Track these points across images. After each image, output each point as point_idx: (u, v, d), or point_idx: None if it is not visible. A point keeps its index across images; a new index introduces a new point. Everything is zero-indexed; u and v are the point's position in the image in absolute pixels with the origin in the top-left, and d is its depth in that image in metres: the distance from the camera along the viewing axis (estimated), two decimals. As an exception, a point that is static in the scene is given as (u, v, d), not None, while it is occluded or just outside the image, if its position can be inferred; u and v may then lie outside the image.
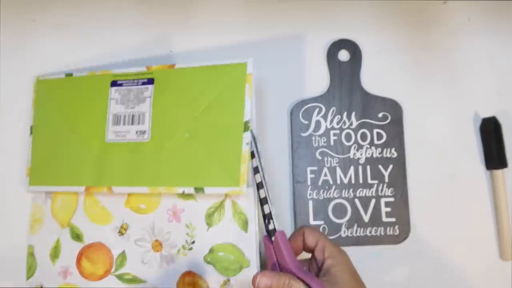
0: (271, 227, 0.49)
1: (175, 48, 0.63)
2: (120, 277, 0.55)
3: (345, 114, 0.61)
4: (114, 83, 0.57)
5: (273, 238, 0.49)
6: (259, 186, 0.51)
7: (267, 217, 0.49)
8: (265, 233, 0.50)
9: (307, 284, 0.44)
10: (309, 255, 0.50)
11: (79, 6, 0.63)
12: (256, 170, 0.51)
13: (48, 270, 0.57)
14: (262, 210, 0.50)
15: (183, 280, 0.53)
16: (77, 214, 0.57)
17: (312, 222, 0.59)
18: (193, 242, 0.53)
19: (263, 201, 0.50)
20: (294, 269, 0.46)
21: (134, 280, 0.54)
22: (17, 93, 0.62)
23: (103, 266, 0.55)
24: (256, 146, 0.52)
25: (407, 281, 0.59)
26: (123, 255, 0.55)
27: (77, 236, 0.56)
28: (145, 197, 0.55)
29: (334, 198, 0.59)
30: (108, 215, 0.56)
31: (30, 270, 0.57)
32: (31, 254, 0.57)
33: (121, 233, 0.55)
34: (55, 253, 0.57)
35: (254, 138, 0.52)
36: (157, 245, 0.54)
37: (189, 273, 0.53)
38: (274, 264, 0.48)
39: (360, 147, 0.60)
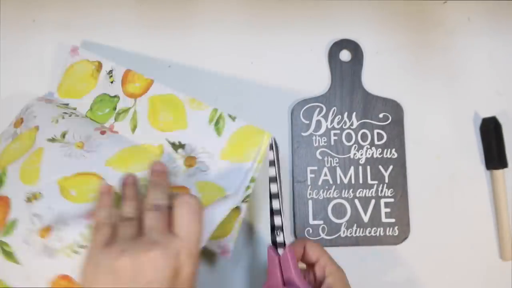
0: (279, 239, 0.49)
1: (174, 48, 0.63)
2: None
3: (345, 114, 0.61)
4: None
5: (279, 251, 0.49)
6: (274, 196, 0.50)
7: (277, 229, 0.49)
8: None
9: None
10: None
11: (79, 6, 0.63)
12: (272, 180, 0.51)
13: None
14: (272, 221, 0.50)
15: None
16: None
17: (311, 221, 0.59)
18: None
19: (275, 212, 0.50)
20: (301, 286, 0.46)
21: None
22: (17, 93, 0.62)
23: None
24: (277, 154, 0.51)
25: (406, 281, 0.59)
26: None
27: None
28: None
29: (334, 198, 0.59)
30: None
31: None
32: None
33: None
34: None
35: (275, 144, 0.51)
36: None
37: None
38: (276, 276, 0.48)
39: (360, 147, 0.60)
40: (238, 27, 0.63)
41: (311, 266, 0.50)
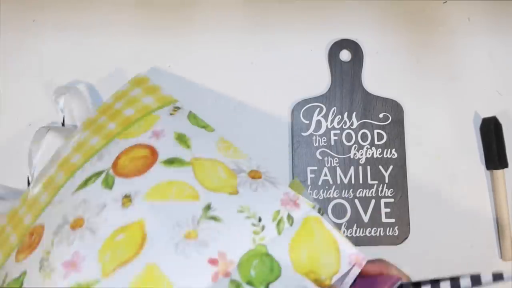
0: None
1: (174, 49, 0.63)
2: None
3: (346, 114, 0.61)
4: None
5: None
6: None
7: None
8: None
9: None
10: None
11: (79, 6, 0.63)
12: None
13: None
14: None
15: None
16: None
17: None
18: None
19: None
20: None
21: None
22: (17, 93, 0.62)
23: None
24: None
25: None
26: None
27: None
28: None
29: (334, 198, 0.59)
30: None
31: None
32: None
33: None
34: None
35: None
36: None
37: None
38: None
39: (360, 147, 0.60)
40: (238, 27, 0.63)
41: None
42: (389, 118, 0.61)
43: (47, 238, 0.46)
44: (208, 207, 0.43)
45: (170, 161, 0.46)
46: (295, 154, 0.60)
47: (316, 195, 0.59)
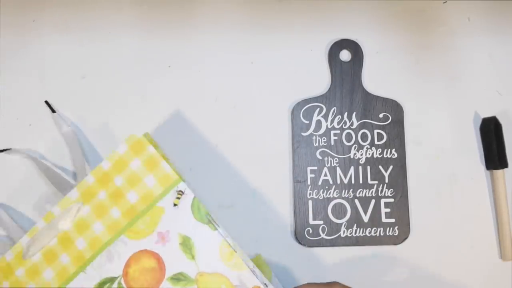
0: None
1: (174, 48, 0.63)
2: None
3: (345, 114, 0.61)
4: None
5: None
6: None
7: None
8: None
9: None
10: None
11: (79, 6, 0.63)
12: None
13: None
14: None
15: None
16: None
17: (311, 222, 0.59)
18: None
19: None
20: None
21: None
22: (17, 93, 0.62)
23: None
24: None
25: (406, 281, 0.59)
26: None
27: None
28: None
29: (334, 198, 0.59)
30: None
31: None
32: None
33: None
34: None
35: None
36: None
37: None
38: None
39: (360, 147, 0.60)
40: (238, 27, 0.63)
41: None
42: (389, 118, 0.61)
43: None
44: None
45: (177, 278, 0.51)
46: (295, 154, 0.60)
47: (316, 195, 0.59)
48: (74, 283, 0.52)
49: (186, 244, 0.51)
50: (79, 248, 0.52)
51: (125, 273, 0.51)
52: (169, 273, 0.51)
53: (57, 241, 0.53)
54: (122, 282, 0.51)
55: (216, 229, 0.51)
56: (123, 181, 0.53)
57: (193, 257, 0.51)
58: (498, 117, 0.60)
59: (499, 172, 0.60)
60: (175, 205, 0.52)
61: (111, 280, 0.51)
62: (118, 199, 0.53)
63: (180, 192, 0.52)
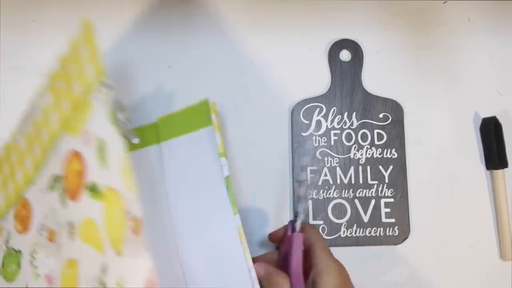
0: (296, 225, 0.49)
1: (174, 48, 0.63)
2: None
3: (345, 114, 0.61)
4: None
5: (289, 233, 0.50)
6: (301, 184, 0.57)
7: (296, 215, 0.56)
8: None
9: None
10: None
11: (79, 6, 0.63)
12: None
13: None
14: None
15: None
16: None
17: (311, 222, 0.59)
18: None
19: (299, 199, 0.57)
20: (294, 279, 0.46)
21: None
22: (17, 93, 0.62)
23: None
24: None
25: (406, 281, 0.59)
26: None
27: None
28: None
29: (334, 198, 0.59)
30: None
31: None
32: None
33: None
34: None
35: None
36: None
37: None
38: (284, 249, 0.50)
39: (360, 147, 0.60)
40: (238, 27, 0.63)
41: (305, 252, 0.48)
42: (389, 118, 0.61)
43: (33, 231, 0.47)
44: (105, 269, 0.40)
45: (91, 188, 0.42)
46: (295, 154, 0.60)
47: (316, 195, 0.59)
48: (38, 178, 0.47)
49: (102, 150, 0.41)
50: (43, 137, 0.47)
51: (65, 176, 0.44)
52: (86, 181, 0.41)
53: (33, 128, 0.49)
54: (63, 185, 0.44)
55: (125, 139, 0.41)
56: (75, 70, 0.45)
57: (106, 167, 0.40)
58: (498, 117, 0.60)
59: (499, 172, 0.60)
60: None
61: (57, 179, 0.45)
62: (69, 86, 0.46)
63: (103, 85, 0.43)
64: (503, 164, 0.60)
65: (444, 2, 0.64)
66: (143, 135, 0.55)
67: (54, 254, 0.45)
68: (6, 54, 0.62)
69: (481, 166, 0.61)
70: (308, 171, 0.60)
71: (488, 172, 0.61)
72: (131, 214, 0.38)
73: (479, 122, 0.62)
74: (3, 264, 0.50)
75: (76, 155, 0.43)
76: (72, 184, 0.43)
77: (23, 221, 0.49)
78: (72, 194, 0.43)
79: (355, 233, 0.59)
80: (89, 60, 0.43)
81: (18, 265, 0.48)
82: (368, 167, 0.60)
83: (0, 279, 0.50)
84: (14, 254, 0.49)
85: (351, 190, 0.60)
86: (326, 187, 0.60)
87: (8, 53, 0.62)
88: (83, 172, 0.42)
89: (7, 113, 0.62)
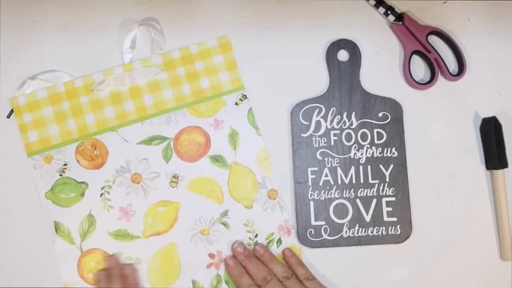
0: None
1: (173, 49, 0.63)
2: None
3: (345, 114, 0.61)
4: None
5: None
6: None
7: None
8: None
9: None
10: None
11: (79, 6, 0.63)
12: None
13: None
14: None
15: None
16: None
17: (313, 222, 0.59)
18: None
19: None
20: None
21: None
22: (17, 93, 0.61)
23: None
24: None
25: (408, 280, 0.59)
26: None
27: None
28: None
29: (335, 199, 0.59)
30: None
31: None
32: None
33: None
34: None
35: None
36: None
37: None
38: None
39: (360, 147, 0.60)
40: (238, 27, 0.63)
41: None
42: (388, 117, 0.61)
43: (109, 169, 0.60)
44: (225, 213, 0.60)
45: (216, 159, 0.60)
46: (295, 155, 0.60)
47: (317, 196, 0.59)
48: (130, 128, 0.60)
49: (233, 136, 0.61)
50: (145, 103, 0.61)
51: (176, 138, 0.60)
52: (211, 152, 0.60)
53: (128, 90, 0.61)
54: (171, 144, 0.60)
55: (261, 135, 0.61)
56: (203, 68, 0.61)
57: (235, 148, 0.61)
58: (498, 117, 0.60)
59: (499, 172, 0.60)
60: (236, 104, 0.61)
61: (163, 139, 0.60)
62: (192, 79, 0.61)
63: (244, 96, 0.61)
64: (503, 164, 0.60)
65: (444, 2, 0.64)
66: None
67: (135, 193, 0.60)
68: (6, 54, 0.62)
69: (481, 166, 0.62)
70: (309, 172, 0.60)
71: (488, 172, 0.61)
72: (267, 186, 0.60)
73: (479, 122, 0.62)
74: (53, 189, 0.59)
75: (199, 130, 0.61)
76: (191, 149, 0.60)
77: (92, 159, 0.60)
78: (188, 156, 0.60)
79: (357, 232, 0.59)
80: (225, 69, 0.62)
81: (82, 194, 0.59)
82: (369, 167, 0.60)
83: (47, 203, 0.59)
84: (75, 184, 0.59)
85: (352, 190, 0.59)
86: (327, 188, 0.59)
87: (8, 53, 0.62)
88: (205, 144, 0.60)
89: (7, 113, 0.61)
